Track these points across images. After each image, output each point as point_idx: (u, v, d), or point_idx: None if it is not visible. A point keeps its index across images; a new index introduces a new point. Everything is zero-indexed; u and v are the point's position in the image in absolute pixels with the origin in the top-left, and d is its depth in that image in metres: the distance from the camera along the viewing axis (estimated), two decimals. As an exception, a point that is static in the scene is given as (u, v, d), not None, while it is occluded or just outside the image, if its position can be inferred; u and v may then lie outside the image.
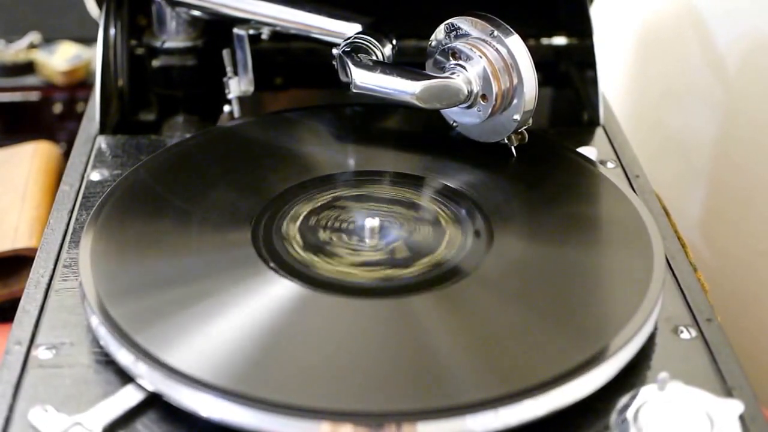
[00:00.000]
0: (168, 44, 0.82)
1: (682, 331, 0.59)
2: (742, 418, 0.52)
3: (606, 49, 0.90)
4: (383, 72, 0.69)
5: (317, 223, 0.64)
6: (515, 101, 0.68)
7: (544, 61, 0.89)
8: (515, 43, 0.68)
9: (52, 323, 0.58)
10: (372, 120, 0.77)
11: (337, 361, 0.53)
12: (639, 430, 0.49)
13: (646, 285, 0.58)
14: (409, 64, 0.70)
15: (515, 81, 0.68)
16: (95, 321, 0.56)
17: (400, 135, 0.75)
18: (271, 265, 0.60)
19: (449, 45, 0.69)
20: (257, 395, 0.50)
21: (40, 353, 0.56)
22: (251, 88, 0.80)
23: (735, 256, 0.96)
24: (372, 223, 0.63)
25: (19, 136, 1.01)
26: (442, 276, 0.60)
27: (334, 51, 0.73)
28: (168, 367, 0.52)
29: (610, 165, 0.75)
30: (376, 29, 0.73)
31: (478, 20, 0.69)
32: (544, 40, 0.91)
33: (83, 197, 0.70)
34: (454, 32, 0.70)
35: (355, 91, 0.70)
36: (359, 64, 0.70)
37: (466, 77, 0.68)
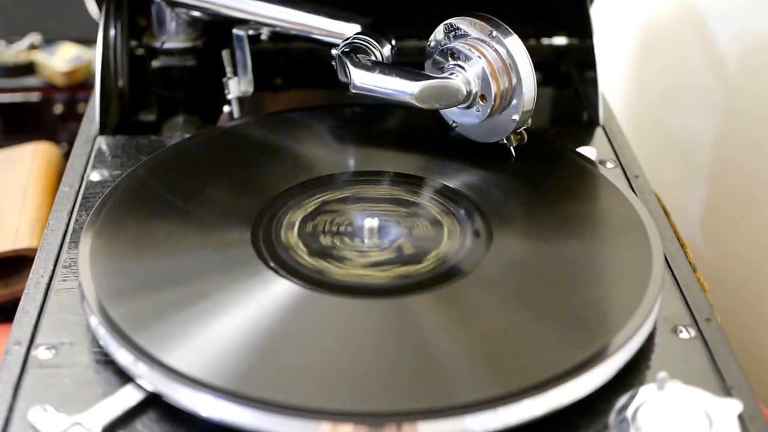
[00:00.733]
0: (168, 45, 0.82)
1: (681, 331, 0.59)
2: (741, 417, 0.52)
3: (606, 49, 0.90)
4: (382, 72, 0.69)
5: (315, 229, 0.64)
6: (514, 101, 0.68)
7: (544, 61, 0.89)
8: (514, 44, 0.68)
9: (52, 323, 0.58)
10: (371, 120, 0.77)
11: (337, 361, 0.53)
12: (638, 430, 0.49)
13: (645, 285, 0.58)
14: (408, 64, 0.70)
15: (514, 81, 0.68)
16: (95, 321, 0.56)
17: (399, 135, 0.75)
18: (271, 265, 0.60)
19: (448, 45, 0.69)
20: (257, 395, 0.50)
21: (40, 353, 0.56)
22: (251, 89, 0.80)
23: (735, 256, 0.96)
24: (371, 223, 0.63)
25: (20, 136, 1.01)
26: (442, 276, 0.60)
27: (333, 51, 0.73)
28: (168, 367, 0.52)
29: (609, 165, 0.75)
30: (375, 30, 0.73)
31: (477, 21, 0.69)
32: (544, 41, 0.91)
33: (83, 198, 0.70)
34: (453, 32, 0.70)
35: (354, 91, 0.70)
36: (358, 65, 0.70)
37: (465, 77, 0.68)
